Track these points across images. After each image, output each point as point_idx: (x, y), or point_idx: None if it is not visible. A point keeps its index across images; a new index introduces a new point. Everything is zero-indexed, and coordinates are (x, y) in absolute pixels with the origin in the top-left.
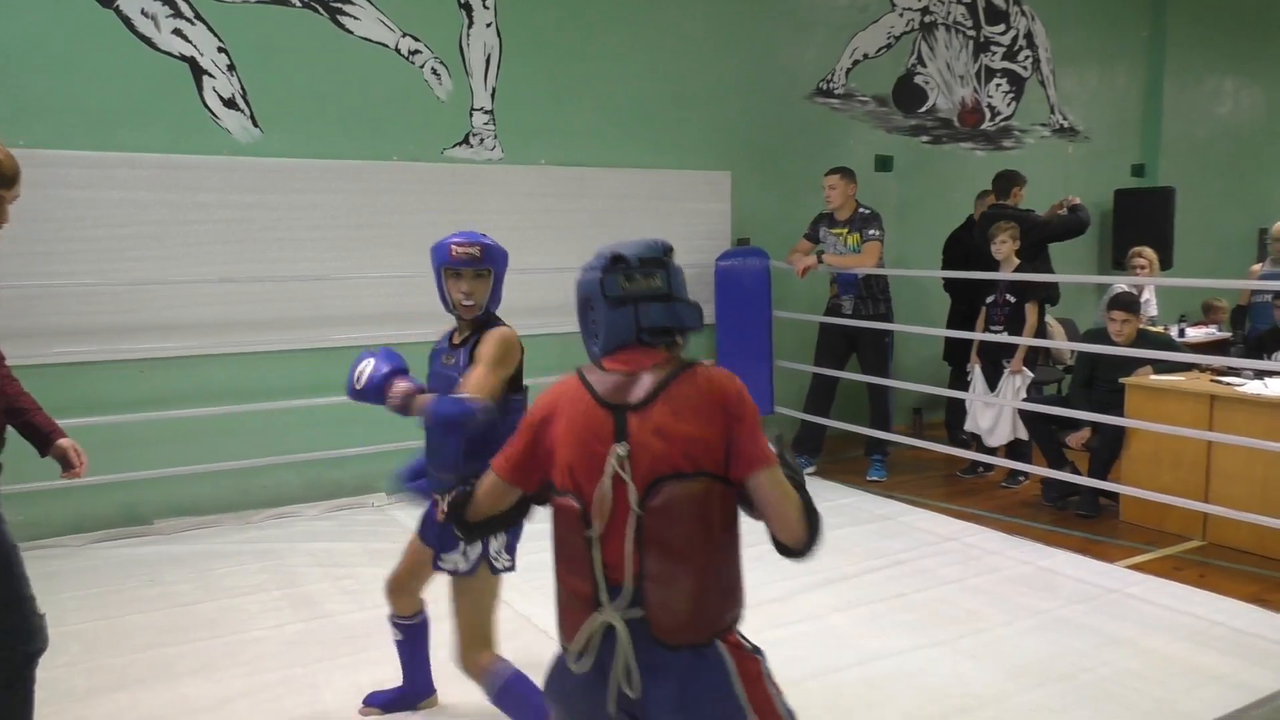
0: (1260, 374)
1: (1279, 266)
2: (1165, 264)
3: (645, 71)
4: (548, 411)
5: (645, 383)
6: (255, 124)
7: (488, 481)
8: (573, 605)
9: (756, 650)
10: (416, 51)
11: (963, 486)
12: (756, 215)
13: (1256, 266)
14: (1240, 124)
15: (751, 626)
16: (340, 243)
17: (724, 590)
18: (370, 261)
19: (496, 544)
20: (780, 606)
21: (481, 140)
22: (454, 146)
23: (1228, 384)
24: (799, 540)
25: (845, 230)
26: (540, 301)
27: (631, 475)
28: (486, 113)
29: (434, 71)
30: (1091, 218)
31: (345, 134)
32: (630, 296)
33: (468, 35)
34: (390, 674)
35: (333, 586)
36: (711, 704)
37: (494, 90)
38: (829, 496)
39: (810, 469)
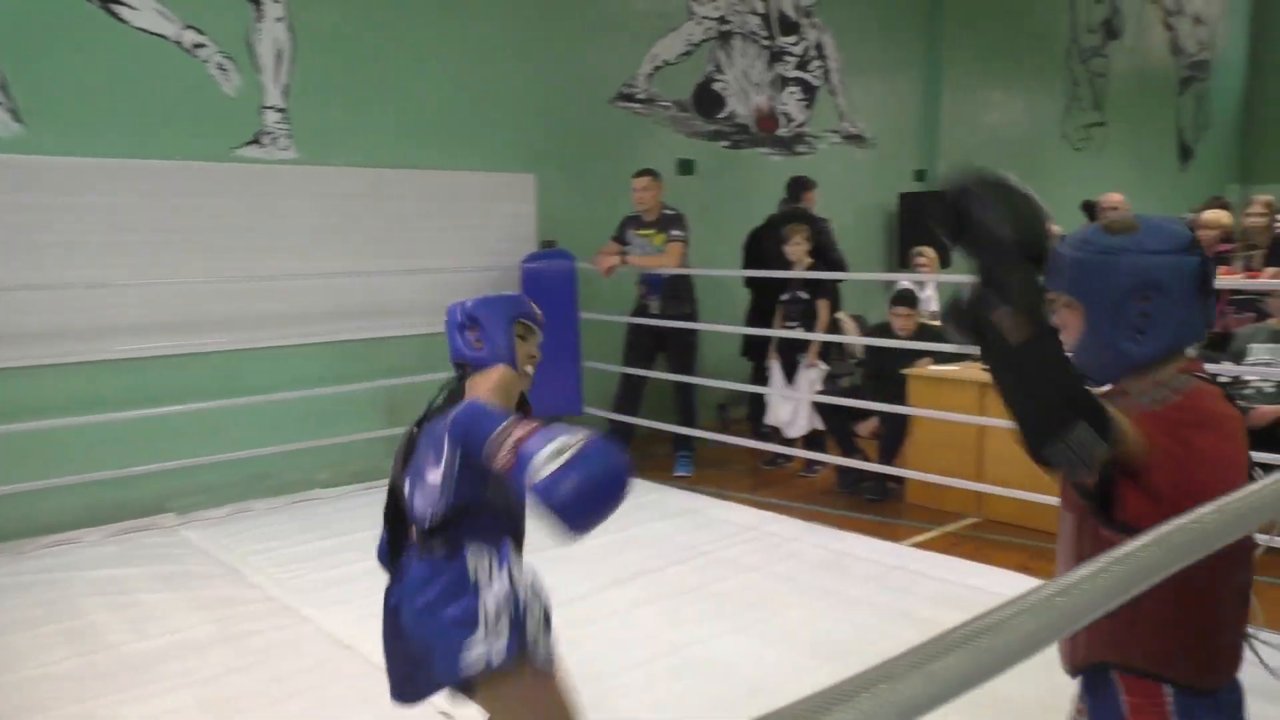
0: None
1: None
2: (945, 262)
3: (445, 72)
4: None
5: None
6: (17, 118)
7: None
8: (1229, 639)
9: None
10: (200, 45)
11: (765, 478)
12: (562, 217)
13: None
14: (1007, 132)
15: (556, 625)
16: (123, 247)
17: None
18: (156, 267)
19: (534, 623)
20: (584, 604)
21: (274, 139)
22: (244, 146)
23: None
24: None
25: (653, 231)
26: (336, 307)
27: None
28: (279, 111)
29: (220, 67)
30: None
31: (123, 131)
32: (1206, 289)
33: (257, 30)
34: (183, 701)
35: (116, 616)
36: None
37: (286, 88)
38: (637, 493)
39: None
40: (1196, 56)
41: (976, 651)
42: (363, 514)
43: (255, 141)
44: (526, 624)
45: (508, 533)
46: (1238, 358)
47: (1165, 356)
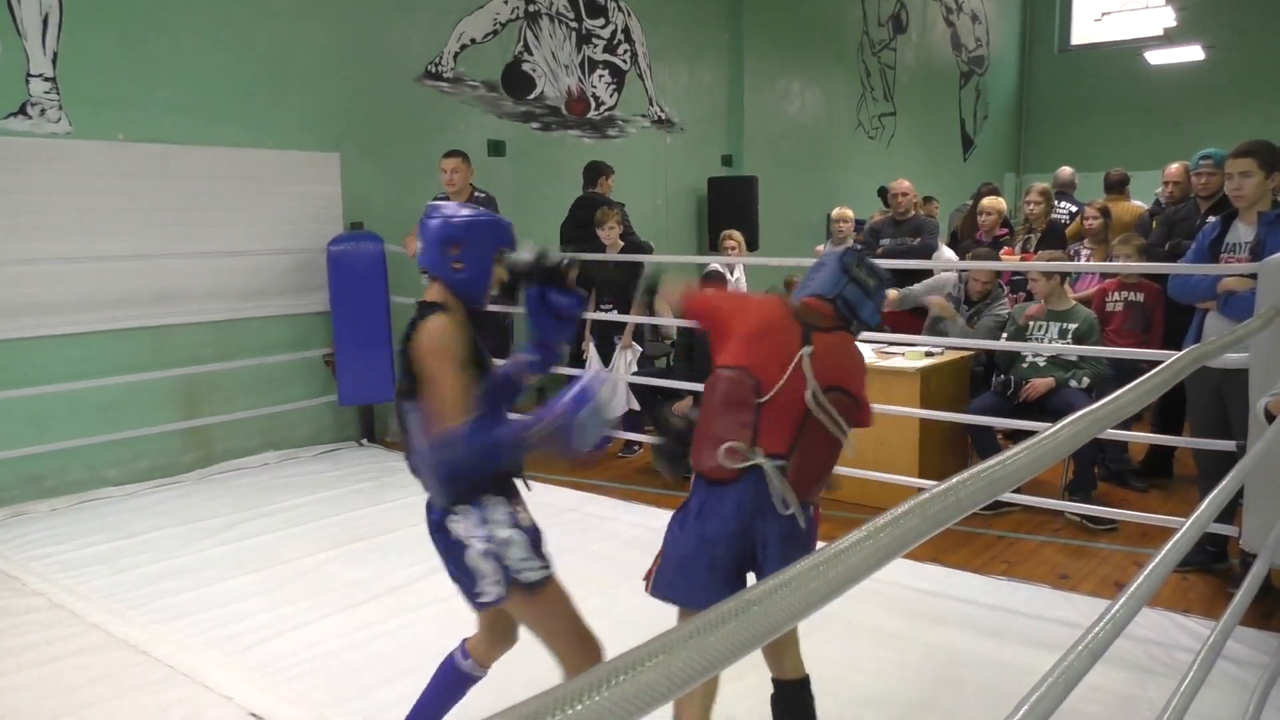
0: None
1: (839, 246)
2: (752, 245)
3: (239, 42)
4: (745, 301)
5: (824, 314)
6: None
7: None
8: (725, 445)
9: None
10: None
11: (583, 459)
12: (369, 199)
13: (820, 247)
14: (807, 121)
15: (375, 615)
16: None
17: (827, 476)
18: None
19: (515, 554)
20: (404, 593)
21: (43, 111)
22: (8, 117)
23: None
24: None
25: None
26: (123, 293)
27: (814, 372)
28: (48, 80)
29: None
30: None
31: None
32: (850, 274)
33: None
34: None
35: None
36: (801, 541)
37: (55, 55)
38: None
39: None
40: (975, 52)
41: (746, 622)
42: (158, 512)
43: (21, 112)
44: (507, 563)
45: (489, 489)
46: (1018, 334)
47: None
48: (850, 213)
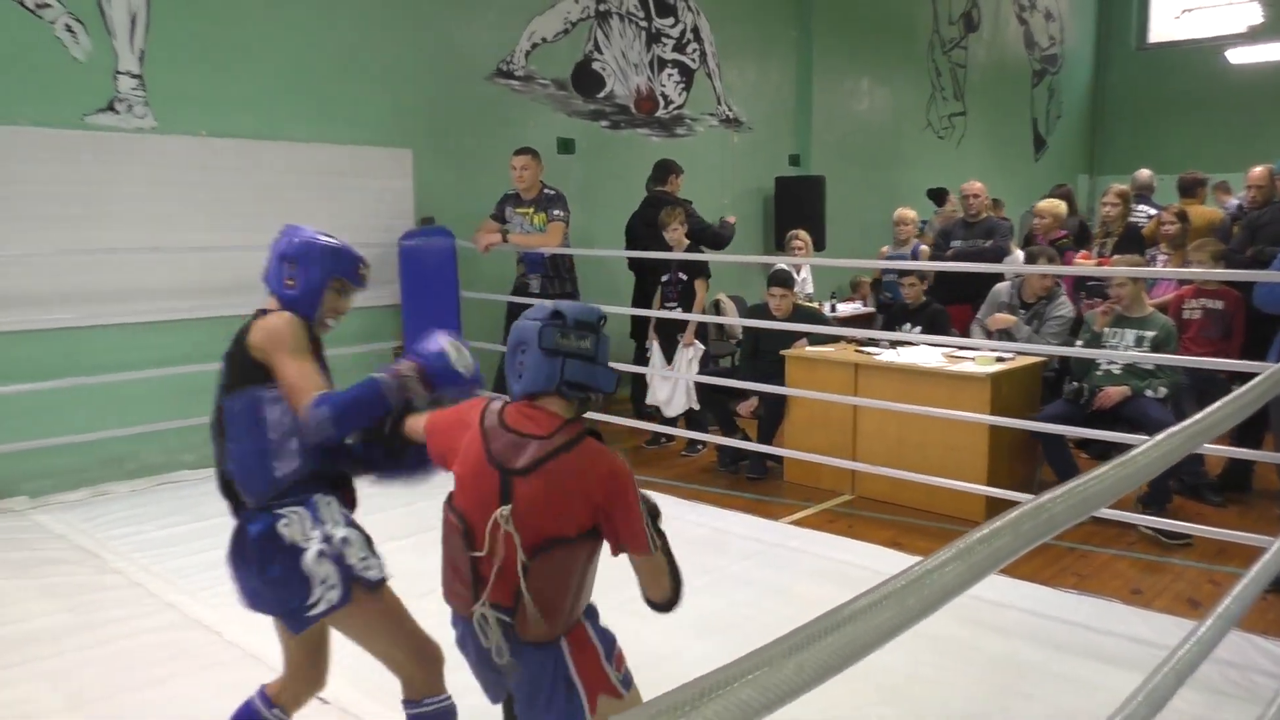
0: (893, 344)
1: (901, 248)
2: (819, 245)
3: (316, 42)
4: (468, 429)
5: (531, 451)
6: None
7: (417, 425)
8: (452, 589)
9: (604, 635)
10: (45, 5)
11: (646, 457)
12: (440, 194)
13: (885, 248)
14: (875, 120)
15: (432, 608)
16: None
17: (577, 602)
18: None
19: (355, 553)
20: None
21: (130, 107)
22: (97, 113)
23: (868, 353)
24: (666, 599)
25: (531, 210)
26: (200, 283)
27: (519, 534)
28: (135, 77)
29: (68, 29)
30: (733, 234)
31: None
32: (561, 351)
33: None
34: (35, 690)
35: None
36: (551, 682)
37: (143, 53)
38: None
39: None
40: (1048, 50)
41: (841, 638)
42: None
43: (109, 109)
44: (349, 562)
45: (318, 489)
46: (1092, 341)
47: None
48: (912, 213)
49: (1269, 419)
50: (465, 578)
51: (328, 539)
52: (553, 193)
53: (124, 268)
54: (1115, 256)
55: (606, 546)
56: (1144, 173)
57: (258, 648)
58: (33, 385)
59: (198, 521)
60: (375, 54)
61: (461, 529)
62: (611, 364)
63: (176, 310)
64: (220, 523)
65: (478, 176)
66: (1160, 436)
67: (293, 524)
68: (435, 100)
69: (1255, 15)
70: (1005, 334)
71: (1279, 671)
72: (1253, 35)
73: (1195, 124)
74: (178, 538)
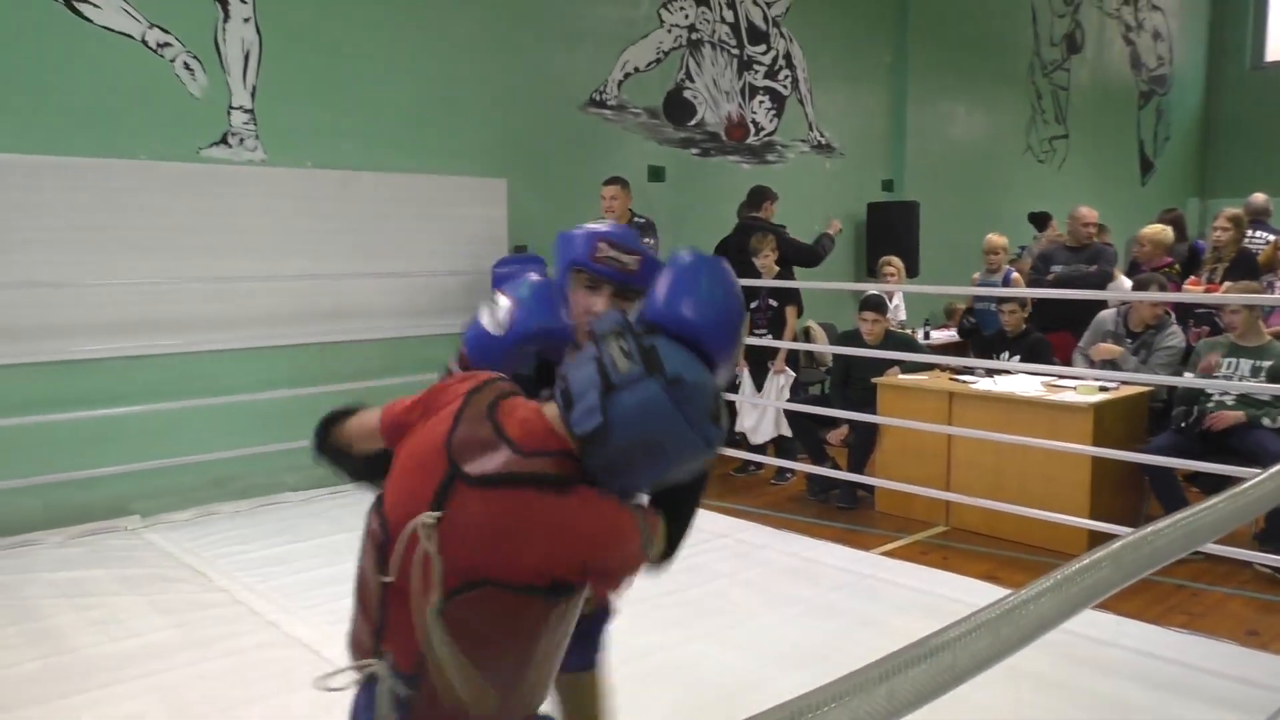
0: (990, 372)
1: (991, 275)
2: (912, 272)
3: (414, 75)
4: (423, 407)
5: (499, 460)
6: None
7: (369, 417)
8: (354, 631)
9: None
10: (166, 45)
11: (736, 484)
12: (533, 222)
13: (976, 275)
14: (971, 145)
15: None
16: (85, 246)
17: (522, 687)
18: (119, 267)
19: None
20: None
21: (241, 140)
22: (211, 146)
23: (963, 382)
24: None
25: None
26: (304, 309)
27: (440, 558)
28: (246, 111)
29: (186, 66)
30: (832, 247)
31: (82, 129)
32: (602, 353)
33: (224, 30)
34: (147, 704)
35: (79, 618)
36: None
37: (254, 89)
38: None
39: None
40: (1156, 71)
41: (935, 665)
42: (331, 517)
43: (223, 142)
44: None
45: None
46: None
47: None
48: (1002, 240)
49: None
50: (371, 614)
51: None
52: (643, 220)
53: (232, 296)
54: (1227, 284)
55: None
56: (1259, 197)
57: None
58: (145, 407)
59: (299, 542)
60: (472, 86)
61: (380, 539)
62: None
63: (281, 336)
64: (321, 544)
65: (570, 205)
66: (1274, 469)
67: None
68: (529, 130)
69: None
70: (1111, 364)
71: None
72: None
73: None
74: (279, 558)
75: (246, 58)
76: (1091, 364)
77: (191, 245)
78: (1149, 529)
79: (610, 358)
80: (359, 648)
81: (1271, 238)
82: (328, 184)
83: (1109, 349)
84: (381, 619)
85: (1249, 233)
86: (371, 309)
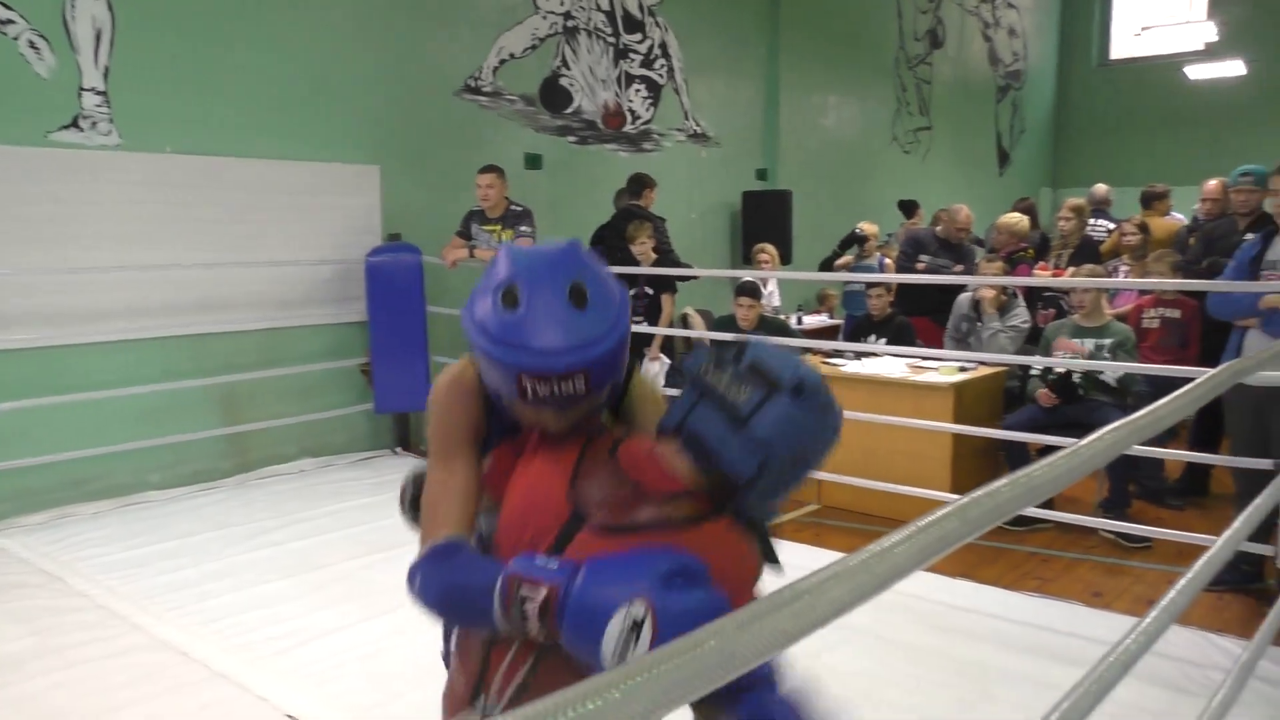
0: (859, 355)
1: (864, 262)
2: (785, 259)
3: (283, 58)
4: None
5: (643, 510)
6: None
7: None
8: (451, 685)
9: None
10: (9, 21)
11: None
12: (408, 210)
13: (848, 258)
14: (842, 135)
15: (411, 620)
16: None
17: None
18: None
19: None
20: None
21: (94, 124)
22: (61, 130)
23: (833, 364)
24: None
25: (498, 227)
26: (167, 301)
27: None
28: (99, 94)
29: (32, 45)
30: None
31: None
32: (700, 385)
33: (72, 7)
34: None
35: None
36: None
37: (107, 70)
38: None
39: None
40: (1012, 66)
41: (796, 611)
42: (198, 516)
43: (73, 125)
44: None
45: None
46: (1047, 350)
47: None
48: (873, 228)
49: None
50: (472, 665)
51: None
52: (520, 209)
53: (88, 287)
54: (1071, 268)
55: None
56: (1100, 187)
57: (226, 667)
58: None
59: (163, 543)
60: (344, 70)
61: None
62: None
63: (142, 330)
64: (186, 543)
65: (445, 193)
66: (1105, 429)
67: None
68: (403, 116)
69: (1211, 33)
70: (961, 321)
71: (1231, 666)
72: (1209, 53)
73: (1155, 139)
74: (143, 559)
75: (98, 36)
76: (958, 346)
77: (42, 234)
78: (993, 485)
79: (724, 394)
80: (456, 701)
81: (1111, 226)
82: (190, 171)
83: (990, 295)
84: (482, 670)
85: (1091, 221)
86: (242, 300)
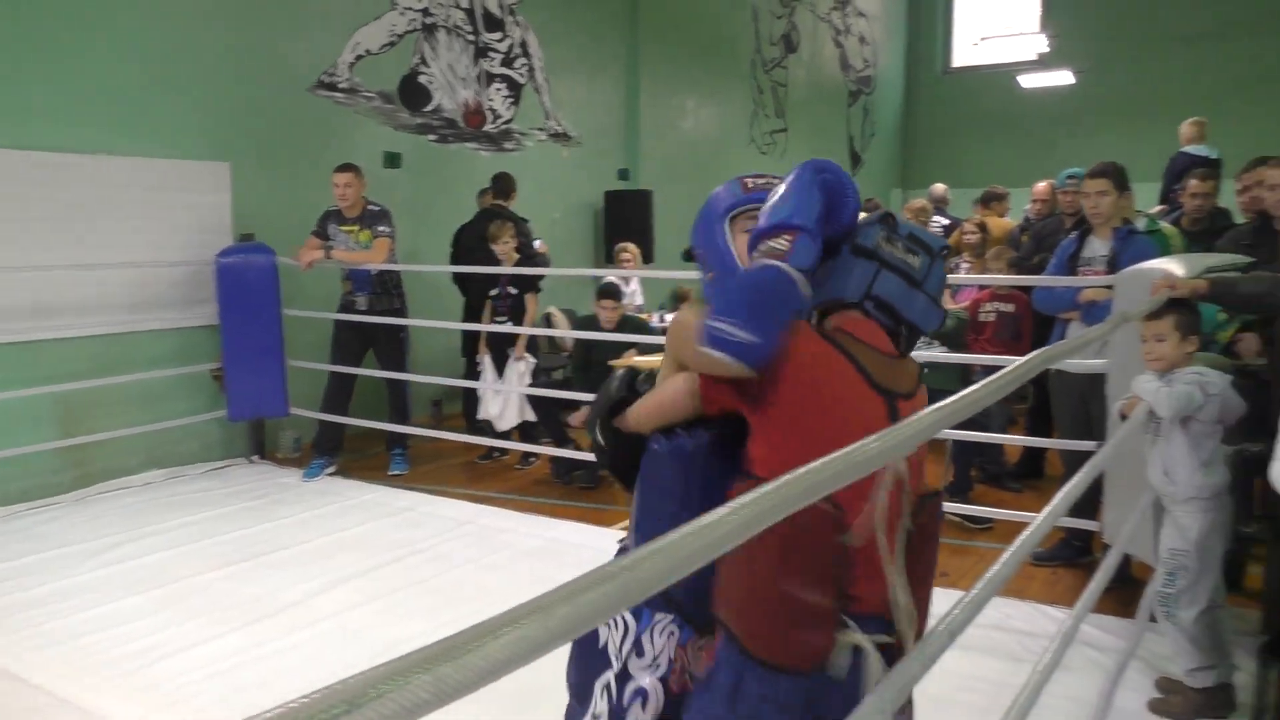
0: None
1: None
2: (647, 258)
3: (123, 46)
4: (796, 362)
5: (908, 367)
6: None
7: (675, 388)
8: (799, 619)
9: None
10: None
11: (480, 471)
12: (260, 210)
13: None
14: (701, 136)
15: (269, 633)
16: None
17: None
18: None
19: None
20: (298, 610)
21: None
22: None
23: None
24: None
25: (356, 228)
26: None
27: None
28: None
29: None
30: (548, 262)
31: None
32: (879, 256)
33: None
34: None
35: None
36: None
37: None
38: (351, 495)
39: (331, 469)
40: (863, 72)
41: (620, 586)
42: (33, 535)
43: None
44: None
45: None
46: None
47: None
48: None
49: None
50: (826, 582)
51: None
52: (377, 209)
53: None
54: None
55: None
56: (939, 187)
57: (70, 692)
58: None
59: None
60: (190, 62)
61: (831, 512)
62: (441, 379)
63: None
64: (19, 565)
65: (300, 191)
66: (922, 412)
67: (614, 631)
68: (254, 112)
69: (1042, 45)
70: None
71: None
72: (1041, 63)
73: (992, 143)
74: None
75: None
76: None
77: None
78: (821, 460)
79: (900, 261)
80: (806, 643)
81: (947, 223)
82: (19, 167)
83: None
84: (840, 591)
85: (931, 219)
86: (83, 304)
